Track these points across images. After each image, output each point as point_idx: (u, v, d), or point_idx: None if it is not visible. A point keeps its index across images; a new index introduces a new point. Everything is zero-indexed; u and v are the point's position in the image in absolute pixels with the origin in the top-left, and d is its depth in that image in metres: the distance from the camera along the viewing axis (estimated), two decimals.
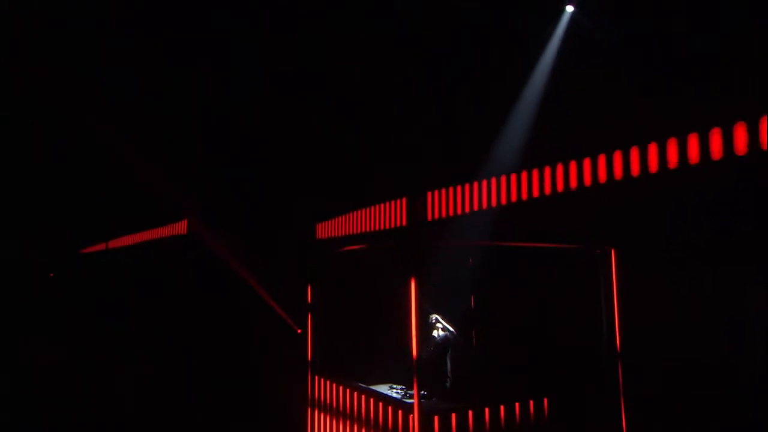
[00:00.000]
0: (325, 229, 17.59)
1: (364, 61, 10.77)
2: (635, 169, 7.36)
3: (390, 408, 5.78)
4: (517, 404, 5.79)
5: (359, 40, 10.95)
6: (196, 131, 16.37)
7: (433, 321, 7.26)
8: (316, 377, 7.64)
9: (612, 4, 8.19)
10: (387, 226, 13.32)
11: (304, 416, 7.84)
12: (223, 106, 14.59)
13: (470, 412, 5.50)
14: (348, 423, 6.56)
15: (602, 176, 7.84)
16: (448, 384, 6.94)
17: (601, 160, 7.87)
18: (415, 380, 5.23)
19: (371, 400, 6.18)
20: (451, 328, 7.13)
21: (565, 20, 8.92)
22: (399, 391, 6.54)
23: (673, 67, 7.43)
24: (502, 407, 5.70)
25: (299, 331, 19.35)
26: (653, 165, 7.22)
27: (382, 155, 11.98)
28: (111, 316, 22.32)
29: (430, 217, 9.92)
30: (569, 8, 8.79)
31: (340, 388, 6.89)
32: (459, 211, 9.22)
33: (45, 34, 10.58)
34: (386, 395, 6.11)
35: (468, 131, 9.34)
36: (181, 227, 21.42)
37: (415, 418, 5.19)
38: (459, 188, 9.47)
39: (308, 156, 13.70)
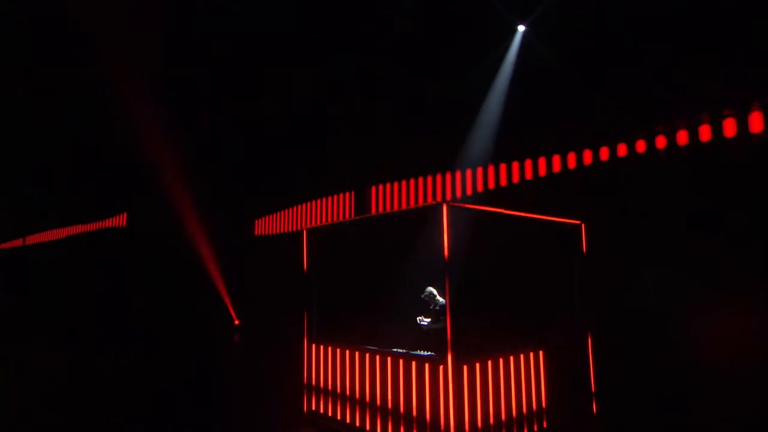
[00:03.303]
0: (264, 225, 17.28)
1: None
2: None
3: (414, 362, 5.94)
4: (522, 355, 6.19)
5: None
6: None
7: (429, 293, 7.53)
8: (314, 345, 7.57)
9: (555, 26, 8.90)
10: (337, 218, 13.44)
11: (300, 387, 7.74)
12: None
13: (489, 362, 5.81)
14: (370, 383, 6.60)
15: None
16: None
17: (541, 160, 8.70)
18: (449, 336, 5.43)
19: (388, 358, 6.29)
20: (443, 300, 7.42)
21: (518, 38, 9.52)
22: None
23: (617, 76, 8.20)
24: (512, 357, 6.07)
25: (237, 322, 18.87)
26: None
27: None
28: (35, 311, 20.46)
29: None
30: (521, 28, 9.41)
31: (347, 351, 6.92)
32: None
33: None
34: (411, 354, 6.27)
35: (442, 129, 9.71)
36: (120, 219, 20.01)
37: (449, 368, 5.39)
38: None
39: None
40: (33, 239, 26.79)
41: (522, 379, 6.13)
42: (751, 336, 6.21)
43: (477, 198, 9.19)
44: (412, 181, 11.94)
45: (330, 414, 7.10)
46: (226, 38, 11.45)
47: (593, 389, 7.01)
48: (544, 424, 6.35)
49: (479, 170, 9.31)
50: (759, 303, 6.16)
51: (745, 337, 6.24)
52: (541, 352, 6.38)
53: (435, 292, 7.53)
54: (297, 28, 10.79)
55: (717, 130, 7.09)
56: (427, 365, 5.75)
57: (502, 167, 8.99)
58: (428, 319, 7.47)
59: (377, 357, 6.45)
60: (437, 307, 7.25)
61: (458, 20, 9.10)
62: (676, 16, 6.66)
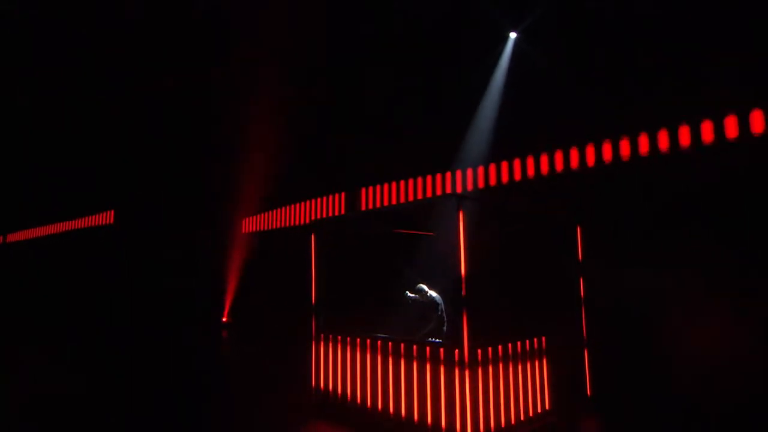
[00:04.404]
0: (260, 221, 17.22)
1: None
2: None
3: (428, 348, 6.11)
4: (527, 341, 6.43)
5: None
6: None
7: (420, 288, 7.79)
8: (322, 335, 7.67)
9: (546, 33, 9.12)
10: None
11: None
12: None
13: (500, 347, 6.02)
14: (382, 370, 6.74)
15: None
16: (445, 328, 7.54)
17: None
18: (464, 319, 5.60)
19: (401, 345, 6.44)
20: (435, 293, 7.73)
21: (510, 45, 9.70)
22: None
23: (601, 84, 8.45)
24: (519, 342, 6.30)
25: (225, 319, 18.75)
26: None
27: None
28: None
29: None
30: (512, 35, 9.60)
31: (357, 340, 7.05)
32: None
33: None
34: (423, 341, 6.43)
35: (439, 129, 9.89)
36: (107, 217, 19.66)
37: (465, 351, 5.57)
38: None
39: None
40: (14, 237, 26.16)
41: (527, 367, 6.37)
42: (749, 335, 6.46)
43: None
44: (404, 181, 12.09)
45: (339, 401, 7.21)
46: (225, 37, 11.47)
47: (591, 388, 7.26)
48: (547, 407, 6.59)
49: (474, 170, 9.52)
50: (756, 302, 6.39)
51: (742, 336, 6.50)
52: (543, 339, 6.64)
53: (426, 288, 7.83)
54: (296, 28, 10.85)
55: (699, 132, 7.38)
56: (441, 349, 5.91)
57: (495, 167, 9.21)
58: (416, 294, 7.78)
59: (389, 344, 6.60)
60: (429, 300, 7.56)
61: (457, 20, 9.30)
62: (675, 16, 6.93)
